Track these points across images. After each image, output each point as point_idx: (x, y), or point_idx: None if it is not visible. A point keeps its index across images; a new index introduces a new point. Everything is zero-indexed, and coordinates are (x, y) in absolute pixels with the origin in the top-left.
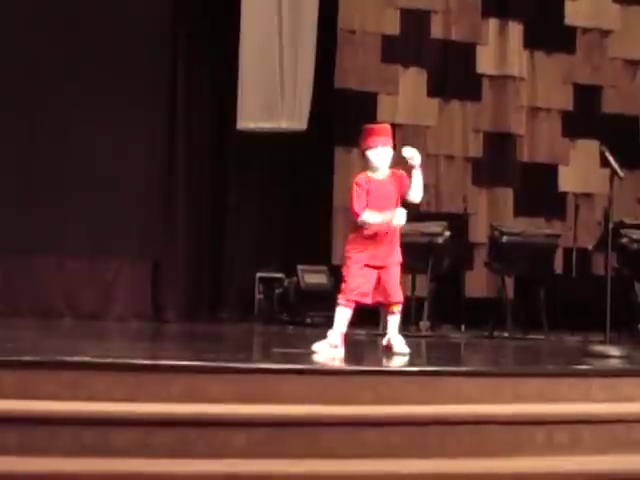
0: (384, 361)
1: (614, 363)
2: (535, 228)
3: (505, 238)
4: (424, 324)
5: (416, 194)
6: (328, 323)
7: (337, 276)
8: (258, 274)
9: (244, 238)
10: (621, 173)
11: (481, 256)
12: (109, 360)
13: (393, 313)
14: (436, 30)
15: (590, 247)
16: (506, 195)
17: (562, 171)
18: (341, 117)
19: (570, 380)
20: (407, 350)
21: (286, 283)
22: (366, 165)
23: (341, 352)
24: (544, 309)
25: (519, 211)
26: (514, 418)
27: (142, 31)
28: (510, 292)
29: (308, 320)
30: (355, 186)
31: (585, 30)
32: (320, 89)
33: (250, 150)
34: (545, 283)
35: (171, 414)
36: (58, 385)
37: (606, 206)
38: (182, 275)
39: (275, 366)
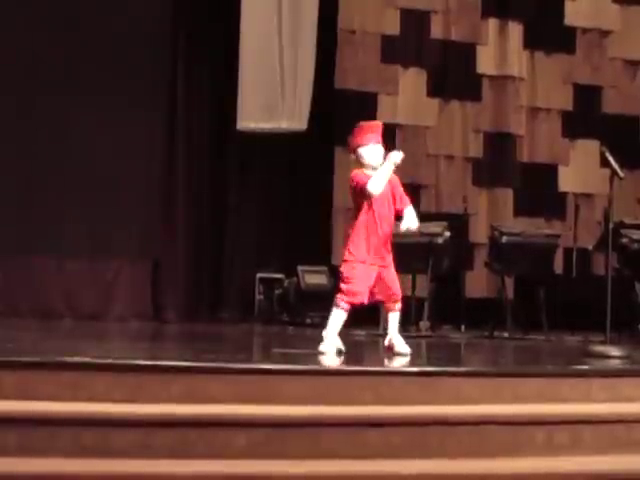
0: (385, 361)
1: (614, 363)
2: (535, 228)
3: (505, 238)
4: (424, 324)
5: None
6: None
7: (337, 276)
8: (258, 274)
9: (244, 238)
10: (621, 173)
11: (481, 256)
12: (109, 361)
13: (394, 310)
14: (436, 30)
15: (590, 247)
16: (506, 195)
17: (562, 171)
18: (341, 117)
19: (570, 380)
20: (408, 350)
21: (286, 283)
22: (359, 164)
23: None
24: (544, 309)
25: (519, 211)
26: (514, 418)
27: (142, 31)
28: (510, 292)
29: (308, 320)
30: (353, 176)
31: (585, 30)
32: (320, 89)
33: (250, 150)
34: (545, 283)
35: (171, 415)
36: (58, 386)
37: (606, 206)
38: (182, 275)
39: (275, 367)
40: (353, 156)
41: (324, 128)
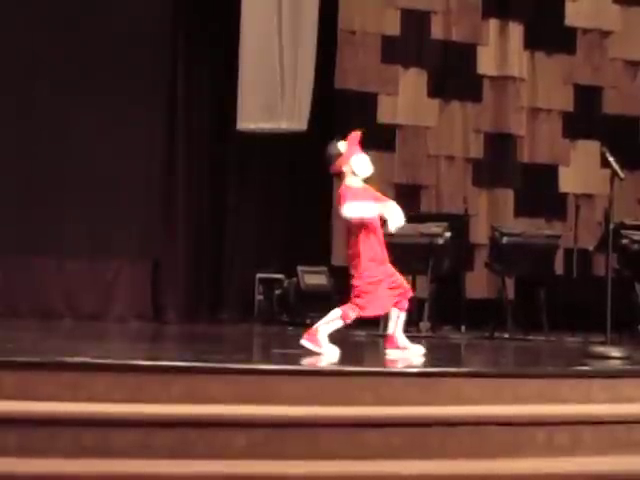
0: (385, 362)
1: (614, 364)
2: (535, 229)
3: (505, 239)
4: (424, 325)
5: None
6: None
7: (337, 277)
8: (258, 275)
9: (244, 238)
10: (621, 174)
11: (481, 257)
12: (109, 361)
13: (404, 309)
14: (436, 31)
15: (591, 248)
16: (506, 196)
17: (562, 172)
18: (341, 117)
19: (570, 381)
20: (422, 349)
21: (286, 284)
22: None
23: (336, 352)
24: (544, 310)
25: (519, 212)
26: (515, 419)
27: (142, 31)
28: (510, 293)
29: (308, 321)
30: (340, 192)
31: (585, 31)
32: (320, 89)
33: (250, 150)
34: (546, 284)
35: (171, 415)
36: (58, 386)
37: (607, 207)
38: (182, 275)
39: (275, 367)
40: (346, 168)
41: (324, 128)
